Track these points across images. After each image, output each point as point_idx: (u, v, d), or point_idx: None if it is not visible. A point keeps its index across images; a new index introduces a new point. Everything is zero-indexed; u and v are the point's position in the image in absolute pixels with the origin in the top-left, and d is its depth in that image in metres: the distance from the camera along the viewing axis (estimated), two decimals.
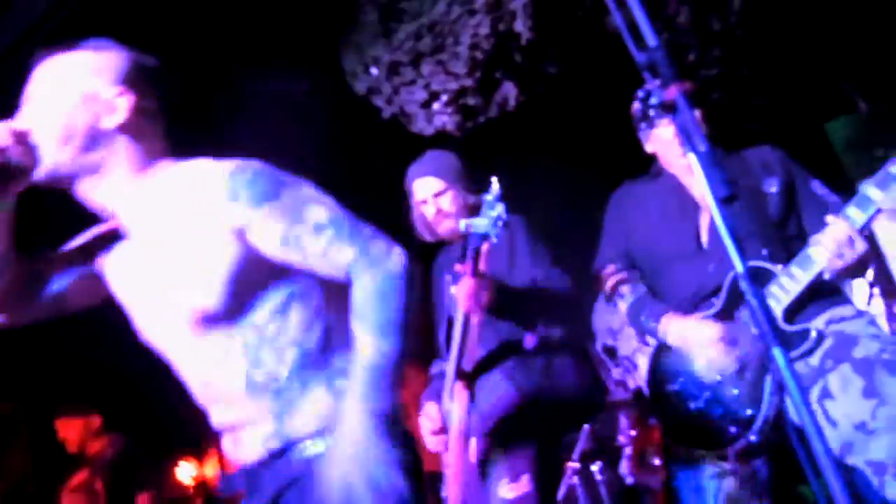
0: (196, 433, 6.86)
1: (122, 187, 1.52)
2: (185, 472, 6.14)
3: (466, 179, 2.77)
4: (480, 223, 2.45)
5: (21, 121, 1.49)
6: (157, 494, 4.39)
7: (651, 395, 2.37)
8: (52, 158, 1.47)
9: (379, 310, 1.39)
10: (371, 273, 1.41)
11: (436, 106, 3.54)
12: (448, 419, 2.49)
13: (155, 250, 1.51)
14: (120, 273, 1.61)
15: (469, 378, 2.52)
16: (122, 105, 1.51)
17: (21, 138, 1.44)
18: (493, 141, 3.95)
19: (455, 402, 2.49)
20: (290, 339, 1.47)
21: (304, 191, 1.47)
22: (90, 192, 1.53)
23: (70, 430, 4.25)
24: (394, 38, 3.49)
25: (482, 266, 2.43)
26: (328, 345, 1.49)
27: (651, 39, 1.62)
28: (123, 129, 1.51)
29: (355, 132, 3.88)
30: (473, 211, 2.64)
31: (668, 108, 1.49)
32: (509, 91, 3.54)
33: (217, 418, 1.57)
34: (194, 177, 1.49)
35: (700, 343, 2.21)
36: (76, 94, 1.50)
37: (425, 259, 2.96)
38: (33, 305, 1.60)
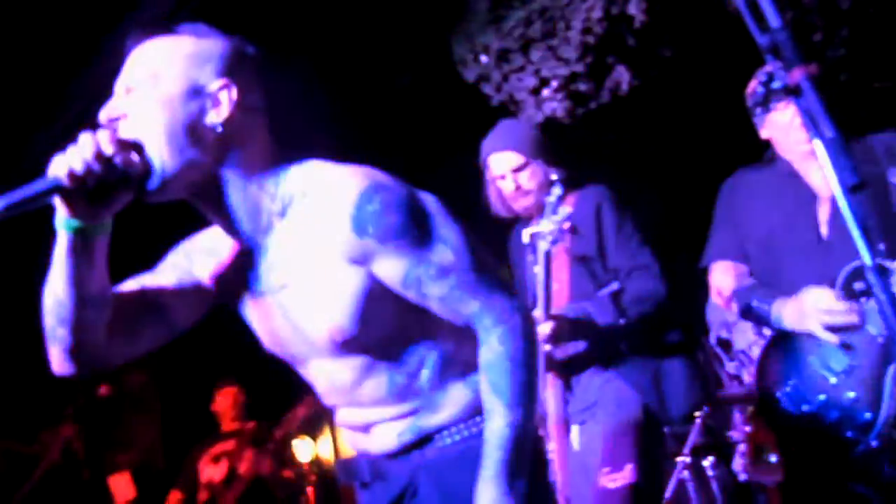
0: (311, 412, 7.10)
1: (235, 193, 1.37)
2: (302, 449, 6.36)
3: (546, 152, 2.62)
4: (545, 229, 2.37)
5: (123, 119, 1.34)
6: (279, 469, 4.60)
7: (760, 396, 2.28)
8: (158, 162, 1.31)
9: (510, 378, 1.33)
10: (498, 335, 1.35)
11: (545, 92, 3.50)
12: (545, 406, 2.47)
13: (280, 265, 1.39)
14: (240, 286, 1.47)
15: (561, 368, 2.49)
16: (225, 99, 1.35)
17: (128, 145, 1.30)
18: (605, 127, 3.89)
19: (549, 391, 2.46)
20: (430, 343, 1.43)
21: (432, 223, 1.36)
22: (196, 198, 1.39)
23: (225, 402, 4.53)
24: (504, 24, 3.48)
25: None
26: (461, 341, 1.44)
27: (774, 20, 1.55)
28: (227, 126, 1.34)
29: (464, 121, 3.90)
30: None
31: (793, 92, 1.43)
32: (622, 76, 3.47)
33: (348, 419, 1.52)
34: (320, 196, 1.36)
35: (816, 308, 2.09)
36: (180, 85, 1.34)
37: (501, 232, 2.90)
38: (134, 341, 1.45)
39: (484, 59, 3.57)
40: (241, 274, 1.46)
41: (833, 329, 2.08)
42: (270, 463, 4.36)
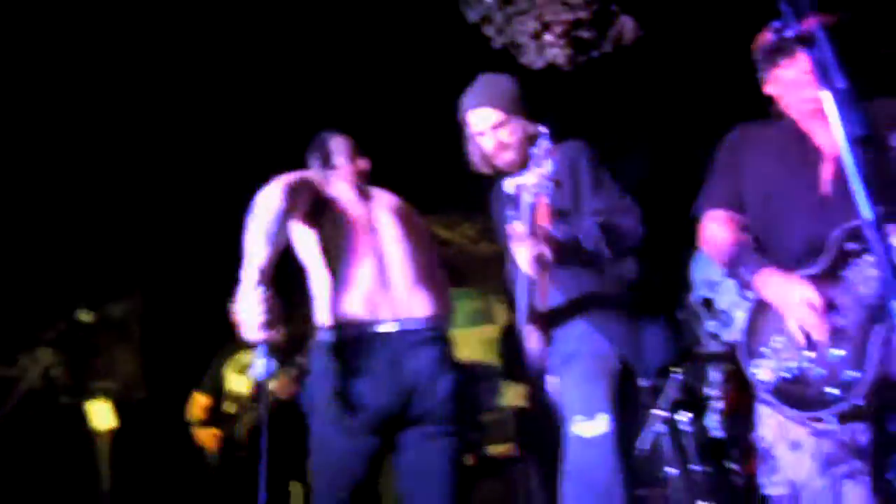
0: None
1: None
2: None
3: (527, 107, 2.61)
4: (529, 181, 2.33)
5: None
6: None
7: (745, 352, 2.29)
8: None
9: None
10: None
11: (547, 37, 3.44)
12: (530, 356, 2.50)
13: None
14: None
15: (543, 321, 2.49)
16: None
17: None
18: (604, 76, 3.84)
19: (530, 343, 2.48)
20: None
21: None
22: None
23: None
24: None
25: (538, 224, 2.33)
26: None
27: None
28: None
29: (464, 61, 3.83)
30: (534, 141, 2.50)
31: (805, 41, 1.40)
32: (626, 24, 3.41)
33: None
34: None
35: (798, 303, 2.12)
36: None
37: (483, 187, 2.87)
38: None
39: None
40: None
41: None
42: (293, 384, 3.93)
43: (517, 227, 2.34)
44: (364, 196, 2.57)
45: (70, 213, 4.84)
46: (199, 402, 4.27)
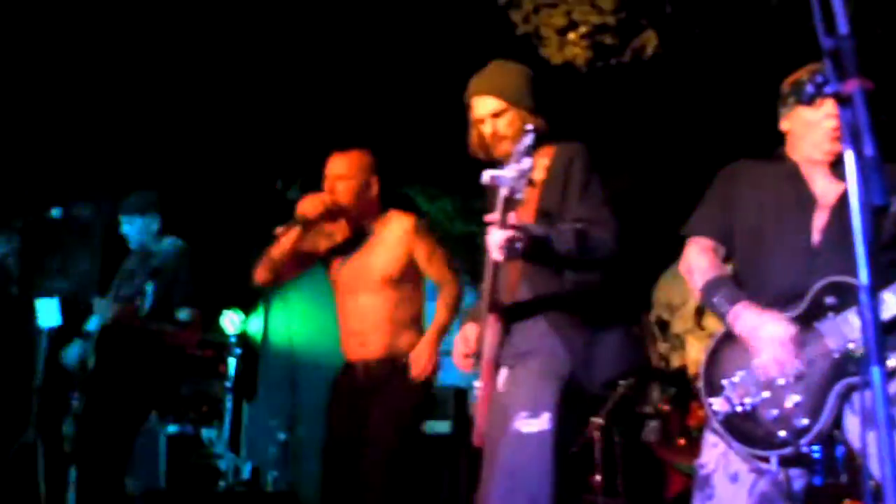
0: (247, 289, 7.08)
1: None
2: (230, 320, 6.37)
3: (530, 100, 2.60)
4: (506, 176, 2.30)
5: None
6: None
7: (705, 380, 2.35)
8: None
9: None
10: None
11: (571, 35, 3.45)
12: (482, 345, 2.53)
13: None
14: None
15: (503, 311, 2.52)
16: None
17: None
18: (619, 86, 3.87)
19: (488, 331, 2.51)
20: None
21: None
22: None
23: None
24: None
25: (510, 220, 2.30)
26: None
27: (843, 26, 1.56)
28: None
29: (483, 43, 3.83)
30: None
31: (843, 101, 1.44)
32: (649, 40, 3.44)
33: None
34: None
35: (770, 338, 2.16)
36: None
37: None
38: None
39: None
40: None
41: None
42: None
43: (491, 215, 2.36)
44: None
45: (56, 112, 4.74)
46: None
